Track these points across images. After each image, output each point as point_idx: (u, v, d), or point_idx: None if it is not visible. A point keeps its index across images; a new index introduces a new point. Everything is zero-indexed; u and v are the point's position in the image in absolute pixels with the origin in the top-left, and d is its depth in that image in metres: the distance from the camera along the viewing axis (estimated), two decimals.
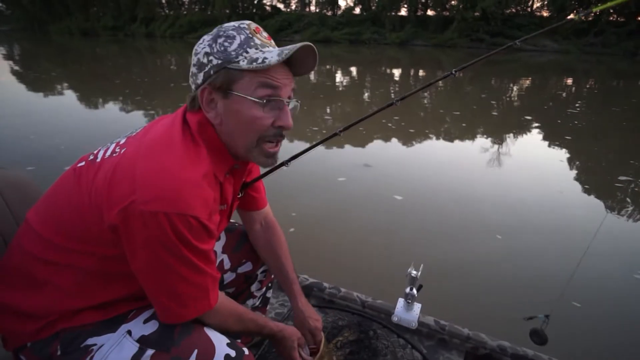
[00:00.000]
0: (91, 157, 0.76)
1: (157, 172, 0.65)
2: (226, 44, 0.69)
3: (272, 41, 0.74)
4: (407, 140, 5.05)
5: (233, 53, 0.69)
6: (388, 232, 2.69)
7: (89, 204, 0.69)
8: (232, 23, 0.72)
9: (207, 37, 0.72)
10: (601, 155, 4.67)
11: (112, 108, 6.67)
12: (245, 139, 0.73)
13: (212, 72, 0.70)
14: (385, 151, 4.63)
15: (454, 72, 0.92)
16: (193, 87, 0.74)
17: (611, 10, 24.74)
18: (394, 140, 5.00)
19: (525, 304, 1.94)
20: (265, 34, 0.74)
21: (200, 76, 0.72)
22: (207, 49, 0.70)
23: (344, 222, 2.80)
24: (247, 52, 0.69)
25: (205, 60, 0.71)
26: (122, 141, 0.75)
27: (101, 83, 9.34)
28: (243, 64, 0.68)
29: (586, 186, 3.69)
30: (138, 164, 0.66)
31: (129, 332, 0.73)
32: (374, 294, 1.55)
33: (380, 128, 5.38)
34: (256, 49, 0.70)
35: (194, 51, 0.73)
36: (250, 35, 0.70)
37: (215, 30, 0.72)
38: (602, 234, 2.51)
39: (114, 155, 0.71)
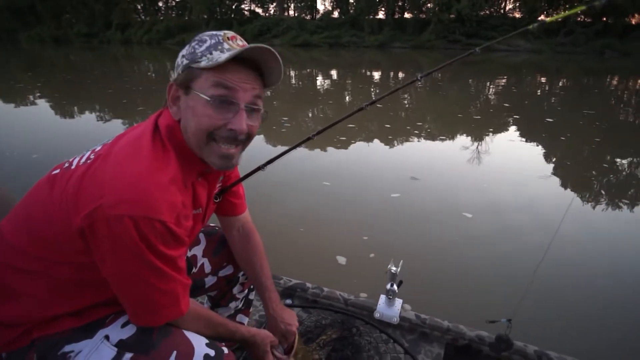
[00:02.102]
0: (66, 165, 0.76)
1: (124, 176, 0.66)
2: (197, 46, 0.73)
3: (239, 46, 0.74)
4: (438, 146, 5.02)
5: (199, 54, 0.72)
6: (371, 230, 2.72)
7: (60, 211, 0.69)
8: (212, 31, 0.76)
9: (189, 42, 0.76)
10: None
11: (117, 119, 6.39)
12: (195, 136, 0.73)
13: (180, 71, 0.74)
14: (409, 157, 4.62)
15: (419, 77, 0.96)
16: None
17: (579, 12, 25.73)
18: (430, 147, 4.97)
19: (500, 295, 2.02)
20: (240, 42, 0.75)
21: (174, 75, 0.76)
22: (184, 52, 0.75)
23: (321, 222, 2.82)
24: (211, 54, 0.71)
25: (180, 62, 0.75)
26: (98, 148, 0.75)
27: (94, 93, 8.94)
28: (203, 63, 0.71)
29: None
30: (106, 169, 0.67)
31: (107, 337, 0.73)
32: (357, 292, 1.57)
33: (409, 135, 5.41)
34: (221, 52, 0.72)
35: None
36: (220, 41, 0.73)
37: (196, 36, 0.77)
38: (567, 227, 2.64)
39: (87, 162, 0.72)
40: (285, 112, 6.70)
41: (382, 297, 1.48)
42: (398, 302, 1.47)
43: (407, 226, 2.81)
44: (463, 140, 5.25)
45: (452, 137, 5.40)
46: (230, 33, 0.75)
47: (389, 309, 1.45)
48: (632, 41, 22.52)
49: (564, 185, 3.73)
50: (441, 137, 5.43)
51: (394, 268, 1.41)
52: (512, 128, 5.95)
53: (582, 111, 7.14)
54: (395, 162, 4.33)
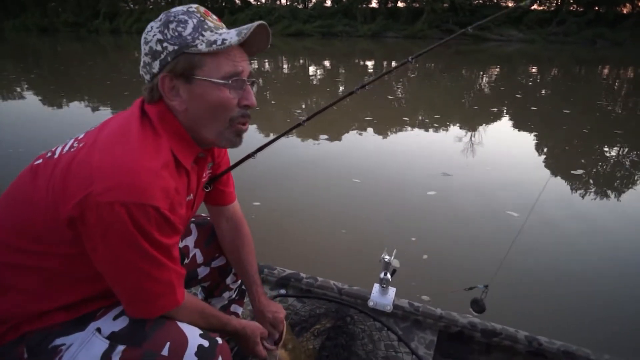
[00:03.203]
0: (49, 154, 0.74)
1: (114, 162, 0.64)
2: (179, 28, 0.69)
3: (222, 23, 0.75)
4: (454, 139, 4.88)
5: (189, 37, 0.68)
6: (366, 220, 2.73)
7: (46, 201, 0.67)
8: (179, 8, 0.72)
9: (155, 24, 0.71)
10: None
11: (121, 110, 6.09)
12: (215, 123, 0.73)
13: (169, 59, 0.69)
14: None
15: (410, 60, 0.95)
16: (147, 77, 0.73)
17: (571, 0, 25.86)
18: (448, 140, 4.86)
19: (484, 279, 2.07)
20: (215, 17, 0.74)
21: (156, 64, 0.70)
22: (159, 36, 0.69)
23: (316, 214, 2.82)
24: (202, 35, 0.69)
25: (159, 48, 0.69)
26: (81, 136, 0.74)
27: (91, 85, 8.58)
28: (202, 47, 0.68)
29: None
30: (94, 157, 0.65)
31: (99, 330, 0.72)
32: (350, 282, 1.58)
33: (429, 128, 5.33)
34: (211, 31, 0.70)
35: (143, 40, 0.72)
36: (202, 19, 0.70)
37: (162, 16, 0.71)
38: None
39: (72, 150, 0.70)
40: (297, 105, 6.58)
41: (376, 286, 1.49)
42: (391, 290, 1.48)
43: (449, 226, 2.66)
44: (485, 132, 5.15)
45: (473, 130, 5.25)
46: (202, 8, 0.73)
47: (383, 297, 1.46)
48: (622, 30, 22.67)
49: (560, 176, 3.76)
50: (463, 129, 5.28)
51: (387, 257, 1.42)
52: (532, 120, 5.75)
53: (596, 102, 7.06)
54: (421, 156, 4.18)
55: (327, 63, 13.72)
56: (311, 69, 12.07)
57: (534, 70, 11.95)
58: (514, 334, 1.32)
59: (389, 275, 1.43)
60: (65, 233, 0.66)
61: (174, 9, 0.71)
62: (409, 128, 5.35)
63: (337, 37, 27.17)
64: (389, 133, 5.13)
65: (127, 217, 0.62)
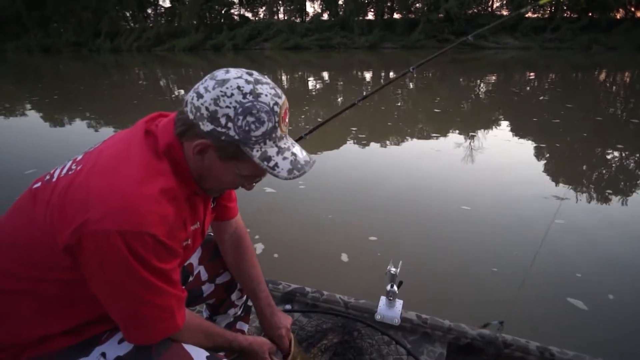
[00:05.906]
0: (47, 177, 0.72)
1: (111, 188, 0.63)
2: (252, 126, 0.67)
3: (287, 128, 0.75)
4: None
5: (253, 139, 0.68)
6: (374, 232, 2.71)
7: (44, 227, 0.66)
8: (269, 97, 0.67)
9: (237, 95, 0.65)
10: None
11: None
12: (214, 186, 0.79)
13: (223, 137, 0.67)
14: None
15: (411, 69, 0.96)
16: (191, 115, 0.67)
17: (564, 7, 26.25)
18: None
19: (496, 290, 2.02)
20: (287, 120, 0.73)
21: (209, 127, 0.66)
22: (232, 114, 0.65)
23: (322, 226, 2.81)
24: (265, 144, 0.69)
25: (223, 121, 0.66)
26: (79, 158, 0.73)
27: (121, 105, 8.38)
28: (256, 154, 0.69)
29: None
30: (92, 181, 0.64)
31: (104, 355, 0.71)
32: (357, 295, 1.56)
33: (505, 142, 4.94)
34: (273, 142, 0.70)
35: (215, 93, 0.65)
36: (275, 126, 0.69)
37: (249, 97, 0.66)
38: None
39: (70, 173, 0.69)
40: (297, 118, 6.46)
41: (383, 299, 1.47)
42: (399, 303, 1.46)
43: (615, 261, 2.31)
44: (572, 150, 4.64)
45: (562, 146, 4.71)
46: (285, 105, 0.70)
47: (390, 310, 1.44)
48: (617, 35, 22.94)
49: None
50: (539, 145, 4.74)
51: (394, 269, 1.40)
52: (604, 133, 5.20)
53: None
54: (518, 175, 3.73)
55: (325, 75, 13.84)
56: (310, 83, 12.15)
57: (563, 77, 11.63)
58: (525, 345, 1.29)
59: (395, 288, 1.42)
60: (63, 259, 0.65)
61: (264, 96, 0.67)
62: (477, 143, 4.93)
63: (334, 50, 27.50)
64: (460, 150, 4.73)
65: (124, 246, 0.61)
